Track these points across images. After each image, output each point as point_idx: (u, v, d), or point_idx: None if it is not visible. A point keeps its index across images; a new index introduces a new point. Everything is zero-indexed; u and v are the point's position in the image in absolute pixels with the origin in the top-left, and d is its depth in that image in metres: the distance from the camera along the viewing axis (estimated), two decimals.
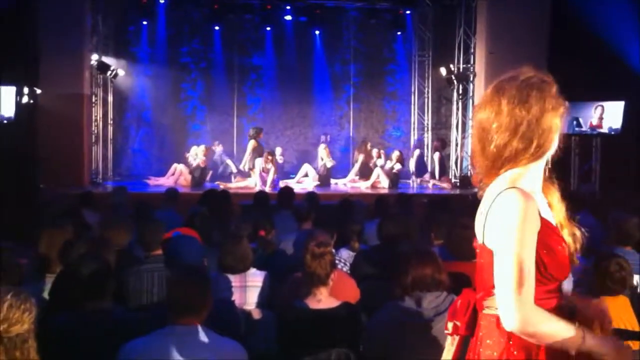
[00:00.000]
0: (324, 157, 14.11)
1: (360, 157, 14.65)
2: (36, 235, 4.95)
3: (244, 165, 13.91)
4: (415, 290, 3.59)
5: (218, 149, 14.95)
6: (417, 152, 15.25)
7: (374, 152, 14.76)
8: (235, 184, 13.34)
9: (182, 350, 3.00)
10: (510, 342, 2.10)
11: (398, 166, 13.99)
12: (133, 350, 3.02)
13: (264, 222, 6.24)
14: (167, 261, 4.44)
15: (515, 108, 2.12)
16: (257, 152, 13.54)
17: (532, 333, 2.01)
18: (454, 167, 15.05)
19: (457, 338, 2.33)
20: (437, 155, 14.82)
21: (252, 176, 13.33)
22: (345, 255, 5.70)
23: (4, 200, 8.84)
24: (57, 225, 5.08)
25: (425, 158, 15.70)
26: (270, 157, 13.22)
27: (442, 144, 15.09)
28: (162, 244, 4.75)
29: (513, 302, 2.00)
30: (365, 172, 14.30)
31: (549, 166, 2.26)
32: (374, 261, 5.21)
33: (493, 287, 2.13)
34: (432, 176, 14.69)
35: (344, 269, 5.36)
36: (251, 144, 13.83)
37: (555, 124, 2.15)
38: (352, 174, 14.61)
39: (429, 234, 5.81)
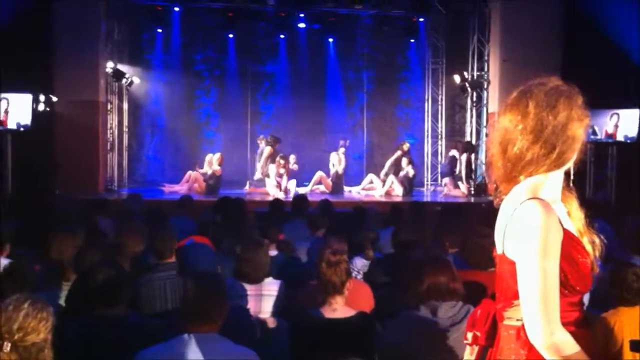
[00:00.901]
0: (335, 164, 14.10)
1: (397, 153, 14.57)
2: (51, 242, 4.97)
3: (259, 172, 13.95)
4: (430, 299, 3.57)
5: (263, 143, 14.84)
6: (451, 152, 15.00)
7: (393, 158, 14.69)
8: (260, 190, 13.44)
9: (198, 358, 2.99)
10: (529, 355, 2.08)
11: (411, 172, 13.90)
12: (149, 358, 3.02)
13: (272, 229, 6.24)
14: (181, 269, 4.44)
15: (542, 112, 2.11)
16: (272, 160, 13.58)
17: (554, 353, 1.98)
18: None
19: (476, 348, 2.31)
20: (464, 157, 14.56)
21: (267, 183, 13.35)
22: (360, 264, 5.68)
23: (20, 206, 8.90)
24: (67, 231, 5.09)
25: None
26: (282, 162, 13.24)
27: (469, 146, 14.70)
28: (176, 252, 4.75)
29: (539, 318, 1.99)
30: (398, 169, 14.21)
31: (572, 177, 2.24)
32: (388, 269, 5.19)
33: (513, 297, 2.11)
34: (458, 179, 14.48)
35: (358, 277, 5.35)
36: (267, 150, 13.85)
37: (579, 133, 2.14)
38: (386, 166, 14.48)
39: (443, 242, 5.78)
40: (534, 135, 2.11)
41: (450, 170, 14.62)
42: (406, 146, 14.74)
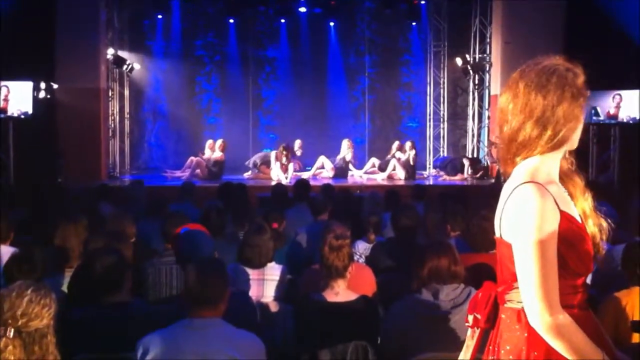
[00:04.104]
0: (345, 151, 14.02)
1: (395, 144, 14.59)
2: (54, 230, 4.99)
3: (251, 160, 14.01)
4: (431, 283, 3.59)
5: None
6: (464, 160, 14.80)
7: (395, 144, 14.61)
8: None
9: (200, 343, 3.01)
10: (530, 337, 2.08)
11: (413, 153, 13.80)
12: (152, 344, 3.03)
13: (274, 214, 6.23)
14: (178, 257, 4.44)
15: (532, 92, 2.09)
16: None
17: (555, 336, 1.99)
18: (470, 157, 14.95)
19: (477, 331, 2.32)
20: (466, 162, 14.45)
21: (272, 169, 13.34)
22: (362, 248, 5.69)
23: (23, 194, 8.93)
24: (71, 218, 5.11)
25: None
26: (284, 153, 13.19)
27: (475, 162, 14.29)
28: (172, 240, 4.74)
29: (538, 301, 1.99)
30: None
31: (572, 158, 2.23)
32: (391, 253, 5.20)
33: (513, 280, 2.11)
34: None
35: (360, 261, 5.36)
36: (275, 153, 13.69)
37: (574, 113, 2.10)
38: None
39: (445, 225, 5.78)
40: (524, 116, 2.10)
41: (445, 165, 14.57)
42: (408, 145, 14.44)
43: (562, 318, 1.99)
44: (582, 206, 2.20)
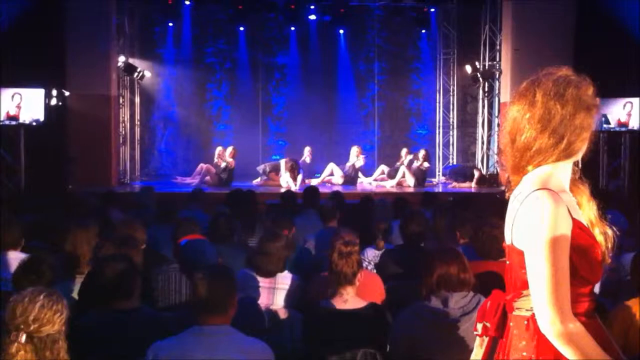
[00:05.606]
0: (354, 159, 14.04)
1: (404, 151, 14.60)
2: (64, 236, 5.01)
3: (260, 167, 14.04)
4: (440, 290, 3.58)
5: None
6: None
7: (403, 151, 14.62)
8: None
9: (210, 350, 3.01)
10: (539, 345, 2.08)
11: (425, 165, 13.82)
12: (161, 351, 3.04)
13: (284, 221, 6.22)
14: (182, 266, 4.45)
15: (550, 101, 2.09)
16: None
17: (565, 343, 1.99)
18: (480, 165, 14.94)
19: (486, 339, 2.31)
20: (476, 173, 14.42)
21: (282, 176, 13.35)
22: (371, 255, 5.69)
23: (34, 201, 8.97)
24: (82, 225, 5.13)
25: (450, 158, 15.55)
26: (290, 166, 13.19)
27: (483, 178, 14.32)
28: (176, 250, 4.74)
29: (550, 307, 1.99)
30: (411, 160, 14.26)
31: (579, 166, 2.23)
32: (400, 260, 5.19)
33: (522, 288, 2.12)
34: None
35: (369, 268, 5.36)
36: (284, 163, 13.73)
37: (588, 123, 2.12)
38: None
39: (454, 232, 5.77)
40: (541, 125, 2.10)
41: (457, 173, 14.55)
42: (421, 154, 14.41)
43: (573, 325, 1.99)
44: (588, 214, 2.20)
